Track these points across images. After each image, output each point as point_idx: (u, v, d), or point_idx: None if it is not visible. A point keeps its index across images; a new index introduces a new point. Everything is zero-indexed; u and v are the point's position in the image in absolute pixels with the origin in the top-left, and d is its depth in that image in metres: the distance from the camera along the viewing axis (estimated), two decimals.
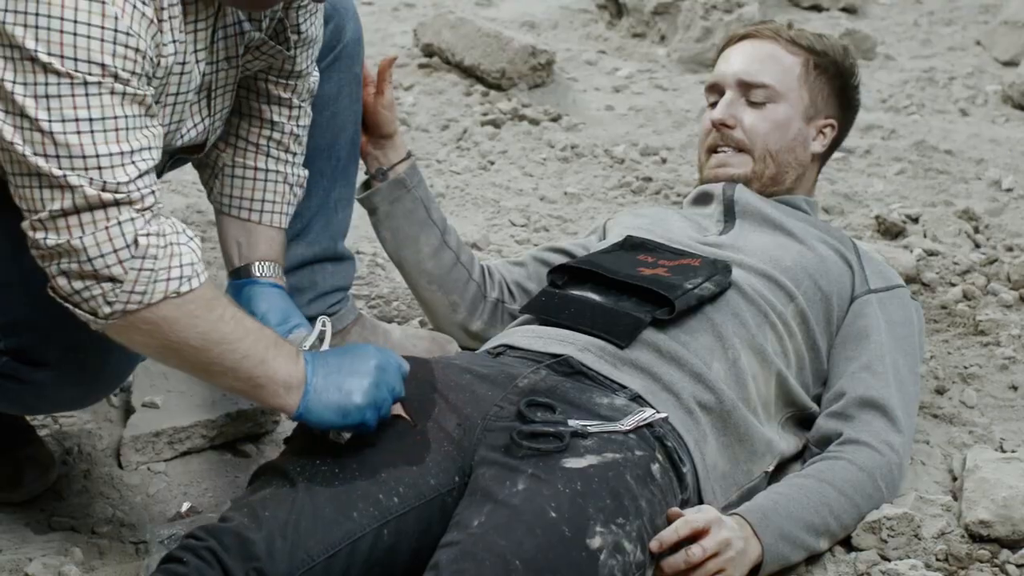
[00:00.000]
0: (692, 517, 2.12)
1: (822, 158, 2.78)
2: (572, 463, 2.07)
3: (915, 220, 3.51)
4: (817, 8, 5.42)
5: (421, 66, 4.52)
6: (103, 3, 1.84)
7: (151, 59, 1.93)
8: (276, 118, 2.35)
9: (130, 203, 1.89)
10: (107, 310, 1.91)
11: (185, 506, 2.39)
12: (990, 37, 5.08)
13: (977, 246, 3.41)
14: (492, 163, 3.92)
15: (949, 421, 2.69)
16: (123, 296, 1.91)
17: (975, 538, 2.31)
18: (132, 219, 1.89)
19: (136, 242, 1.89)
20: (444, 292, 2.72)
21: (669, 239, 2.56)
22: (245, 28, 2.15)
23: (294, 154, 2.39)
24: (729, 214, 2.65)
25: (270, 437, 2.59)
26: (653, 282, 2.37)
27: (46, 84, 1.83)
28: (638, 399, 2.24)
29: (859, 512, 2.31)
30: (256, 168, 2.36)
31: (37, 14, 1.81)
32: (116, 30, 1.85)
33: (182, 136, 2.18)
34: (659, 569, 2.11)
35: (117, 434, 2.55)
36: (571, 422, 2.13)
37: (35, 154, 1.85)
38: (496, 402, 2.19)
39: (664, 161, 3.96)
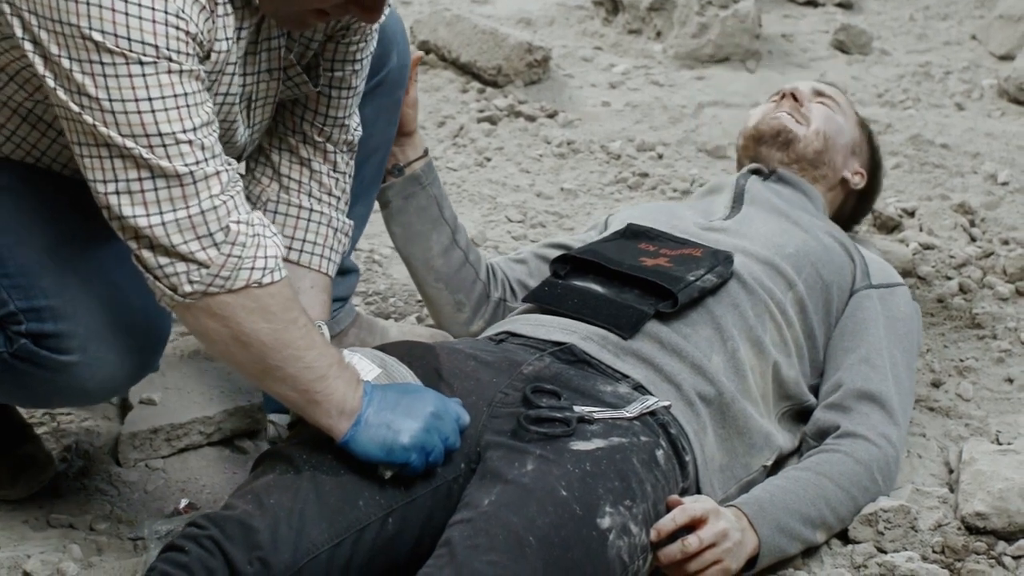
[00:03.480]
0: (690, 506, 2.12)
1: (845, 196, 2.89)
2: (580, 445, 2.08)
3: (911, 214, 3.51)
4: (813, 3, 5.42)
5: None
6: None
7: (203, 43, 1.94)
8: (311, 157, 2.34)
9: (206, 179, 1.91)
10: (188, 288, 1.93)
11: (183, 502, 2.39)
12: (986, 31, 5.08)
13: (973, 240, 3.41)
14: (488, 159, 3.92)
15: (945, 414, 2.70)
16: (207, 278, 1.93)
17: (971, 530, 2.31)
18: (215, 207, 1.92)
19: (227, 228, 1.92)
20: (451, 291, 2.72)
21: (673, 226, 2.57)
22: (283, 43, 2.15)
23: (337, 198, 2.37)
24: (738, 201, 2.70)
25: (267, 433, 2.59)
26: (656, 274, 2.38)
27: (101, 63, 1.85)
28: (640, 388, 2.25)
29: (856, 505, 2.31)
30: (300, 207, 2.34)
31: None
32: (167, 12, 1.87)
33: (235, 144, 2.19)
34: (656, 559, 2.11)
35: (115, 431, 2.55)
36: (577, 408, 2.14)
37: (103, 125, 1.87)
38: (501, 389, 2.20)
39: (660, 157, 3.96)
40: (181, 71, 1.89)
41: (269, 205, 2.33)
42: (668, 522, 2.10)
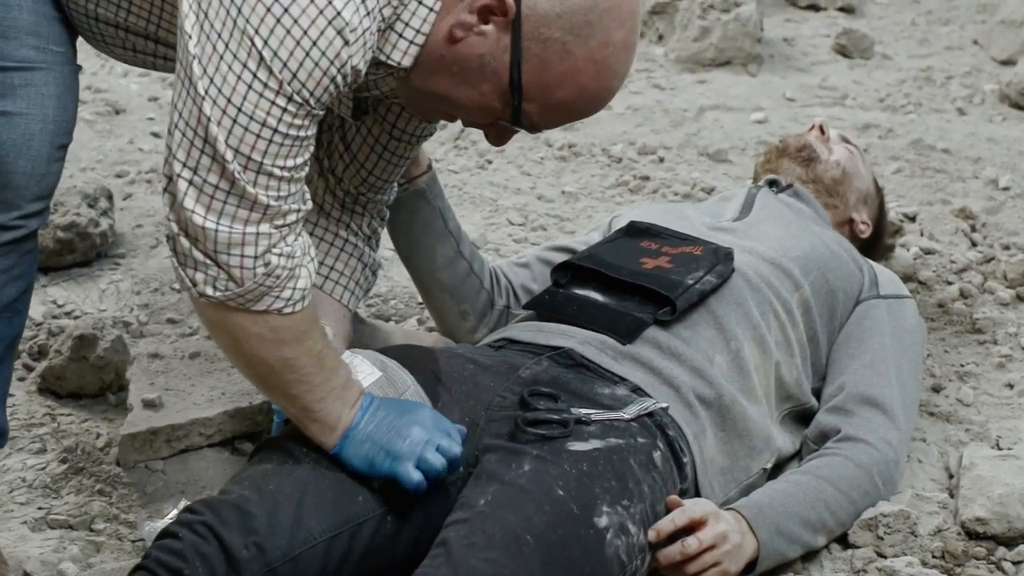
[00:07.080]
0: (690, 508, 2.12)
1: (849, 239, 2.85)
2: (577, 446, 2.08)
3: (912, 219, 3.52)
4: (815, 8, 5.43)
5: None
6: (346, 43, 1.81)
7: (341, 93, 1.93)
8: (344, 198, 2.37)
9: (277, 214, 1.89)
10: (209, 292, 1.92)
11: (183, 504, 2.39)
12: (987, 36, 5.08)
13: (974, 244, 3.41)
14: (490, 162, 3.92)
15: (946, 419, 2.70)
16: (231, 292, 1.92)
17: (971, 535, 2.31)
18: (269, 234, 1.90)
19: (268, 260, 1.90)
20: (455, 301, 2.70)
21: (680, 225, 2.58)
22: (379, 87, 2.11)
23: (368, 237, 2.40)
24: (747, 207, 2.72)
25: (268, 435, 2.59)
26: (655, 280, 2.38)
27: (254, 75, 1.80)
28: (638, 391, 2.25)
29: (856, 509, 2.31)
30: (336, 234, 2.36)
31: (283, 11, 1.78)
32: (340, 70, 1.83)
33: None
34: (655, 560, 2.11)
35: (115, 432, 2.55)
36: (574, 410, 2.14)
37: (216, 124, 1.82)
38: (499, 392, 2.20)
39: (661, 160, 3.96)
40: (314, 116, 1.87)
41: (306, 225, 2.31)
42: (668, 523, 2.10)
